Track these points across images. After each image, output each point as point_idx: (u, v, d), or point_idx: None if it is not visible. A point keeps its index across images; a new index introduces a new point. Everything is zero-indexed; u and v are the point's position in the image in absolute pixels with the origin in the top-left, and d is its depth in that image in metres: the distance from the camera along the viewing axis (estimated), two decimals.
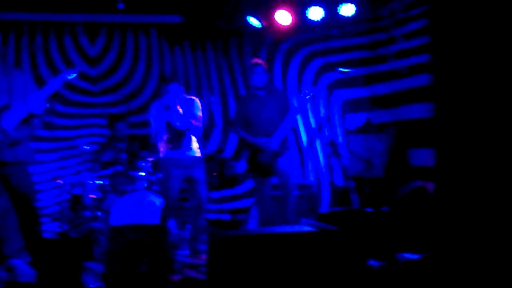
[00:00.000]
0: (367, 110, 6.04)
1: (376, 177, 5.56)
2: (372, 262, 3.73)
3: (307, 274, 2.94)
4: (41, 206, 5.79)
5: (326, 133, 6.30)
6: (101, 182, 5.34)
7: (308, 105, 6.30)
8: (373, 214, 4.42)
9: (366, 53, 6.16)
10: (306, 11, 5.85)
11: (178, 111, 4.45)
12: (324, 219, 4.11)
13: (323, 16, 5.86)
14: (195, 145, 4.66)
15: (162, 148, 4.63)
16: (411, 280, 3.36)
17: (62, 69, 6.16)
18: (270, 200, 4.69)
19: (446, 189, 4.79)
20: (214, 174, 6.18)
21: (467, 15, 4.72)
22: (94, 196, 5.29)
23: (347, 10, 5.74)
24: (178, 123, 4.49)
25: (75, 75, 3.87)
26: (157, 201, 4.94)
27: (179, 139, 4.57)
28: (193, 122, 4.53)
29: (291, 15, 5.91)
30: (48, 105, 3.91)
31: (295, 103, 4.79)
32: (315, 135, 6.44)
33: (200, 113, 4.64)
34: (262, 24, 6.11)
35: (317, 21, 5.92)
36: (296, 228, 3.32)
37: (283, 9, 5.88)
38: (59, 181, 5.54)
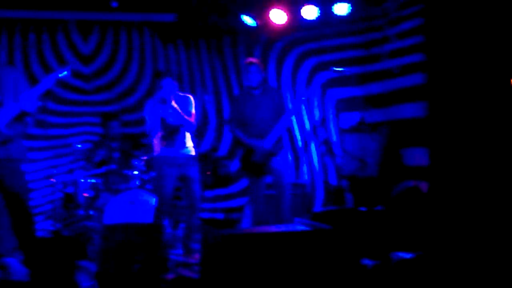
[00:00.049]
0: (361, 109, 6.05)
1: (370, 176, 5.57)
2: (366, 261, 3.75)
3: (301, 273, 2.94)
4: (34, 205, 5.77)
5: (320, 136, 6.31)
6: (94, 181, 5.33)
7: (303, 107, 6.29)
8: (366, 213, 4.43)
9: (360, 52, 6.17)
10: (301, 10, 5.85)
11: (172, 106, 4.44)
12: (318, 218, 4.13)
13: (318, 15, 5.86)
14: (189, 143, 4.65)
15: (156, 145, 4.61)
16: (404, 279, 3.38)
17: (55, 67, 6.13)
18: (264, 199, 4.69)
19: (439, 188, 4.82)
20: (208, 173, 6.17)
21: (461, 15, 4.75)
22: (87, 195, 5.27)
23: (342, 9, 5.75)
24: (171, 119, 4.48)
25: (68, 73, 3.84)
26: (151, 200, 4.93)
27: (173, 136, 4.55)
28: (187, 118, 4.52)
29: (286, 14, 5.91)
30: (41, 103, 3.89)
31: (289, 105, 4.79)
32: (309, 135, 6.44)
33: (193, 110, 4.63)
34: (256, 23, 6.10)
35: (312, 20, 5.93)
36: (290, 227, 3.32)
37: (277, 8, 5.88)
38: (52, 179, 5.52)
